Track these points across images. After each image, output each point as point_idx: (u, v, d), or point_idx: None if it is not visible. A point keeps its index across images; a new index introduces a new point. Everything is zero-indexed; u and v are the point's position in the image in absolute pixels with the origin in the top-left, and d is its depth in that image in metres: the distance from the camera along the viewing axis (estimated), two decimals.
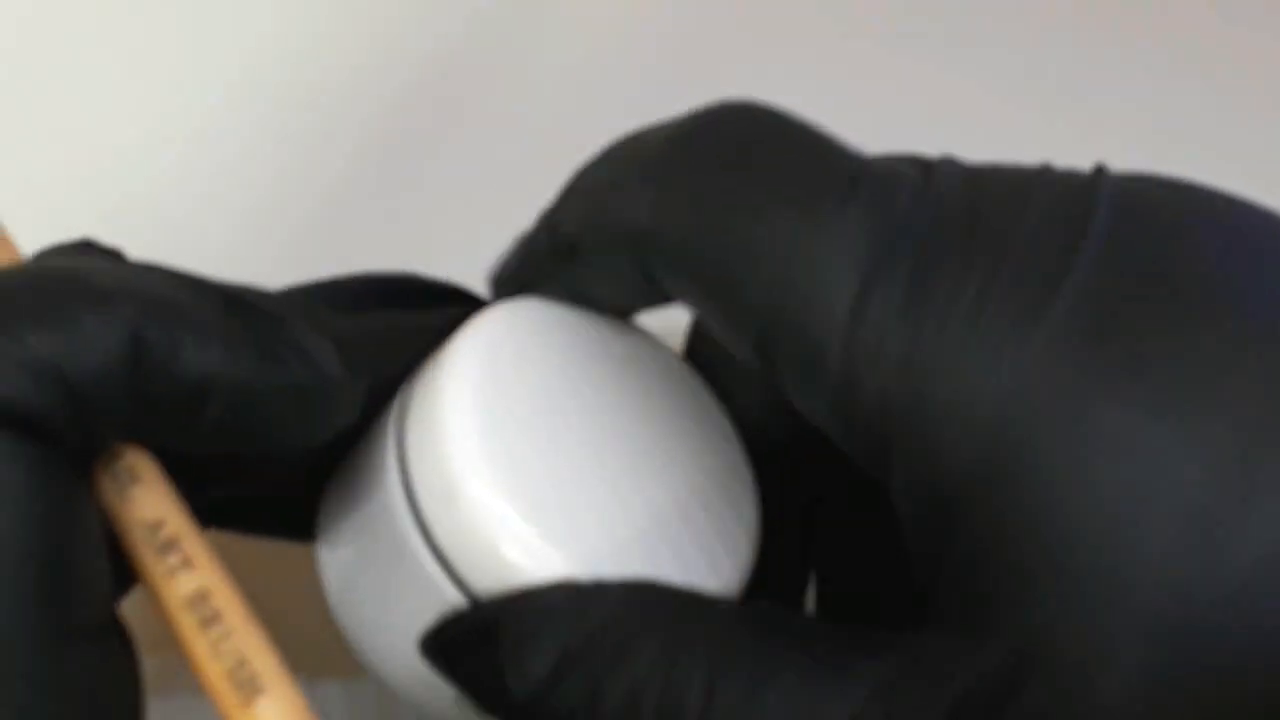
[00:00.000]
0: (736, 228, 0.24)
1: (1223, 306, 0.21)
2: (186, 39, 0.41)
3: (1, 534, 0.21)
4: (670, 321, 0.29)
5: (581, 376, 0.27)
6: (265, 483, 0.27)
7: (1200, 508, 0.20)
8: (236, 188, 0.39)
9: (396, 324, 0.27)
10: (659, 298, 0.26)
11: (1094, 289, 0.21)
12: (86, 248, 0.26)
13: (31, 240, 0.26)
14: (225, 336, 0.23)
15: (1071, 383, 0.21)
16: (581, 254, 0.26)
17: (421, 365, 0.27)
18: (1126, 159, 0.24)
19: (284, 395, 0.24)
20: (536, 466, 0.25)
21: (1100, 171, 0.23)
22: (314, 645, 0.25)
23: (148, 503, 0.23)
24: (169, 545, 0.23)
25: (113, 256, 0.26)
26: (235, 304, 0.24)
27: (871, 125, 0.27)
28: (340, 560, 0.27)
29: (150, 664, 0.24)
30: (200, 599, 0.23)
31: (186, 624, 0.23)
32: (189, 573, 0.23)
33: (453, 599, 0.25)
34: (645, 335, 0.28)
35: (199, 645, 0.22)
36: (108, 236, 0.26)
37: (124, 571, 0.23)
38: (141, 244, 0.27)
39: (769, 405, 0.28)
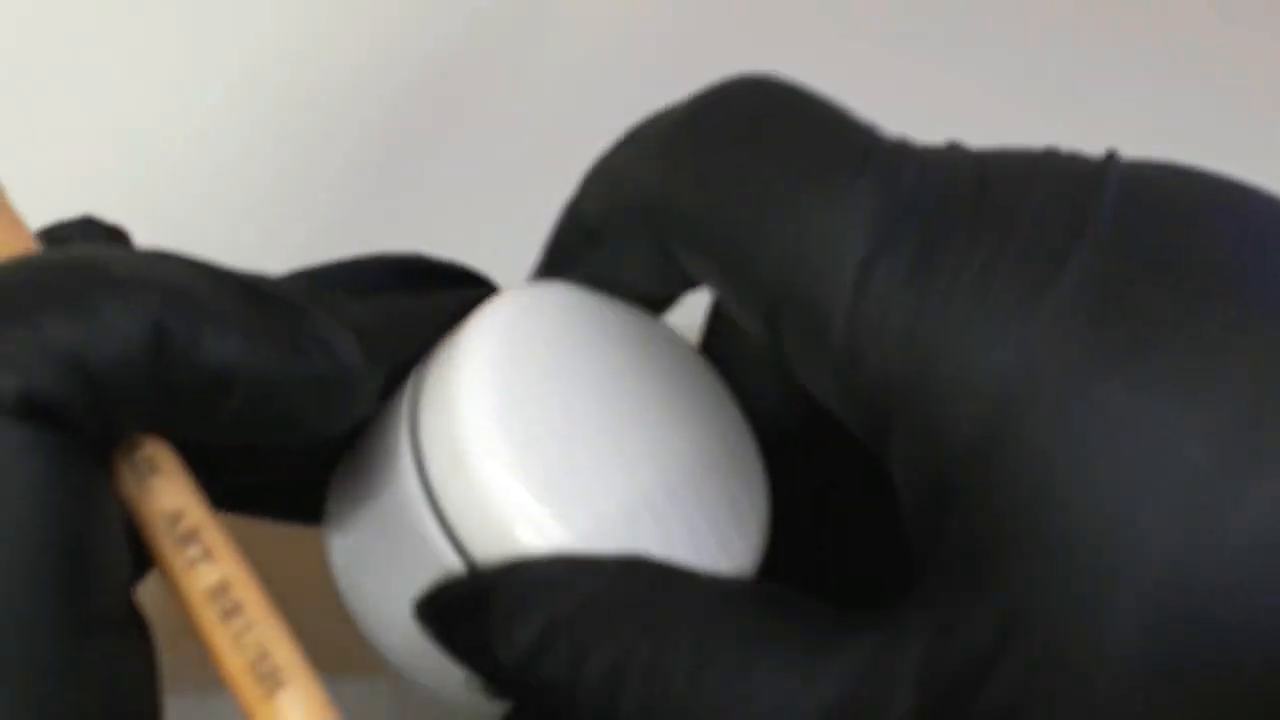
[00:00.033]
0: (747, 201, 0.24)
1: (1228, 289, 0.21)
2: (186, 38, 0.41)
3: (22, 523, 0.21)
4: (686, 318, 0.29)
5: (595, 360, 0.27)
6: (277, 469, 0.27)
7: (1200, 487, 0.20)
8: (237, 187, 0.39)
9: (410, 308, 0.27)
10: (680, 281, 0.26)
11: (1100, 268, 0.21)
12: (89, 225, 0.26)
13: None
14: (245, 326, 0.23)
15: (1075, 360, 0.21)
16: (603, 238, 0.26)
17: (435, 348, 0.27)
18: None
19: (305, 386, 0.24)
20: (549, 446, 0.25)
21: (1111, 156, 0.23)
22: (331, 642, 0.25)
23: (167, 493, 0.23)
24: (189, 536, 0.23)
25: (116, 235, 0.26)
26: (254, 293, 0.24)
27: None
28: (350, 542, 0.27)
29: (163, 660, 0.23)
30: (221, 591, 0.22)
31: (207, 616, 0.22)
32: (210, 564, 0.23)
33: None
34: (660, 323, 0.28)
35: (220, 638, 0.22)
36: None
37: (138, 560, 0.23)
38: (141, 241, 0.27)
39: (782, 396, 0.28)
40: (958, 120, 0.39)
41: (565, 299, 0.27)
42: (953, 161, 0.23)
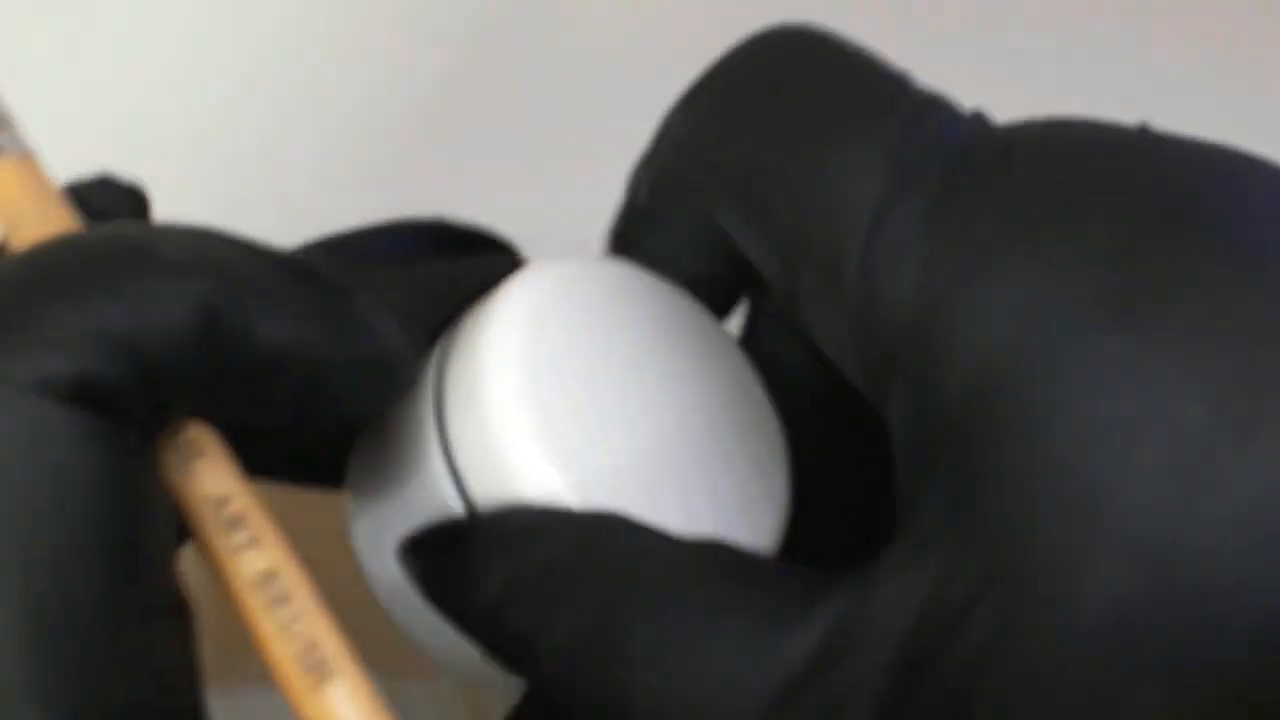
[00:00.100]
0: (769, 146, 0.24)
1: (1236, 254, 0.21)
2: (198, 26, 0.40)
3: (77, 511, 0.20)
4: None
5: (623, 332, 0.26)
6: (303, 440, 0.27)
7: (1197, 445, 0.20)
8: (237, 185, 0.38)
9: (438, 278, 0.26)
10: (724, 257, 0.26)
11: (1114, 228, 0.21)
12: (106, 184, 0.26)
13: None
14: (295, 309, 0.23)
15: (1079, 314, 0.21)
16: (651, 215, 0.26)
17: (462, 318, 0.26)
18: None
19: (351, 369, 0.24)
20: (571, 415, 0.25)
21: (1142, 127, 0.23)
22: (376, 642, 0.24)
23: (213, 477, 0.22)
24: (236, 522, 0.22)
25: (134, 194, 0.26)
26: (301, 274, 0.23)
27: None
28: (371, 509, 0.26)
29: None
30: (269, 578, 0.22)
31: (254, 604, 0.22)
32: (256, 551, 0.22)
33: None
34: (694, 302, 0.28)
35: (267, 626, 0.22)
36: None
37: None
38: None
39: (814, 404, 0.28)
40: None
41: (598, 271, 0.27)
42: (979, 117, 0.24)
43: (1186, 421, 0.20)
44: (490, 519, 0.24)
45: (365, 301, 0.24)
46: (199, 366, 0.22)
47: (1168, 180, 0.22)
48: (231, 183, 0.38)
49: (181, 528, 0.23)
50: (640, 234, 0.27)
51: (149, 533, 0.21)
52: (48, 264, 0.22)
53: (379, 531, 0.26)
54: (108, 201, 0.25)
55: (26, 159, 0.24)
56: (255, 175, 0.39)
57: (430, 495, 0.25)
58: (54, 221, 0.24)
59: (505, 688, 0.26)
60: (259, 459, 0.25)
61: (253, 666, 0.22)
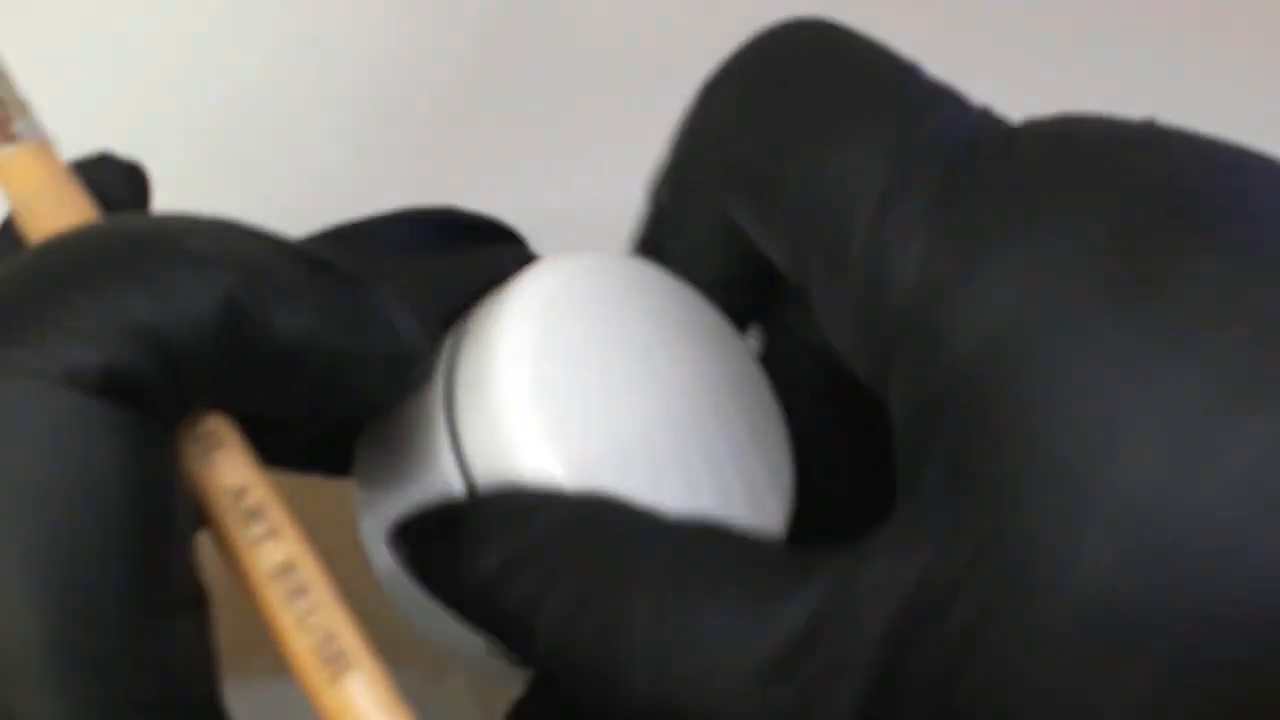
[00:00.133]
0: (779, 136, 0.24)
1: (1240, 239, 0.21)
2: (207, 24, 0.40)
3: (105, 504, 0.20)
4: None
5: (633, 326, 0.26)
6: (312, 429, 0.27)
7: (1193, 422, 0.20)
8: (245, 177, 0.38)
9: (452, 269, 0.26)
10: (741, 253, 0.26)
11: (1116, 211, 0.21)
12: (105, 161, 0.25)
13: None
14: (316, 303, 0.23)
15: (1078, 296, 0.21)
16: (669, 215, 0.27)
17: (473, 309, 0.26)
18: None
19: (369, 363, 0.24)
20: (582, 412, 0.25)
21: (1149, 121, 0.23)
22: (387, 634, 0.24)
23: (231, 469, 0.22)
24: (254, 513, 0.22)
25: (133, 172, 0.26)
26: (320, 267, 0.23)
27: None
28: (378, 500, 0.26)
29: None
30: (287, 570, 0.22)
31: (272, 595, 0.22)
32: (275, 542, 0.22)
33: None
34: (704, 300, 0.28)
35: (285, 618, 0.22)
36: None
37: None
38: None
39: (825, 426, 0.28)
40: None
41: (608, 266, 0.27)
42: (986, 112, 0.24)
43: (1179, 403, 0.20)
44: (486, 500, 0.24)
45: (382, 294, 0.24)
46: (220, 358, 0.22)
47: (1170, 172, 0.22)
48: (239, 174, 0.38)
49: (195, 517, 0.23)
50: (661, 236, 0.27)
51: (172, 525, 0.21)
52: (70, 255, 0.22)
53: (386, 522, 0.26)
54: (108, 179, 0.25)
55: (44, 147, 0.24)
56: (262, 167, 0.38)
57: (438, 487, 0.25)
58: (72, 209, 0.24)
59: (509, 678, 0.26)
60: (268, 447, 0.25)
61: (263, 657, 0.23)
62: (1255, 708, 0.19)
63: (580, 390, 0.25)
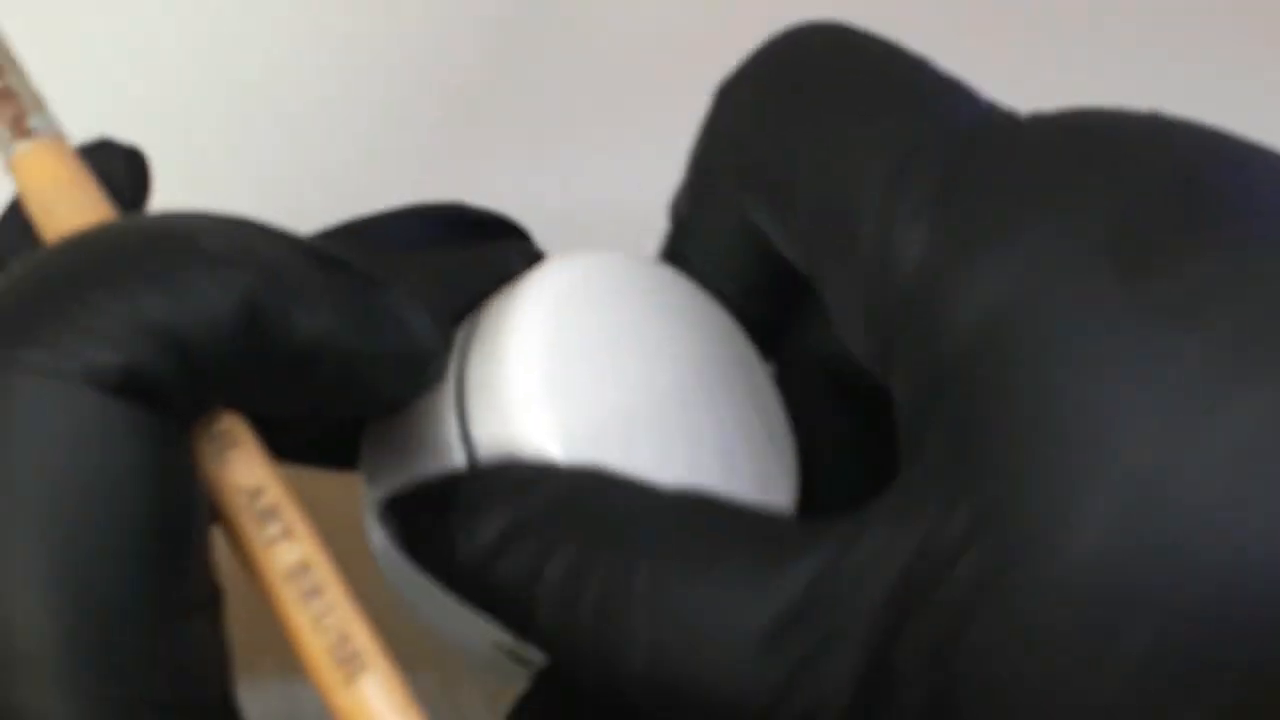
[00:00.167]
0: (792, 136, 0.24)
1: (1242, 221, 0.21)
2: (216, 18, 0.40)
3: (124, 507, 0.20)
4: None
5: (644, 323, 0.26)
6: (324, 427, 0.27)
7: (1191, 392, 0.20)
8: (251, 172, 0.38)
9: (460, 266, 0.26)
10: (759, 254, 0.26)
11: (1120, 192, 0.22)
12: (105, 146, 0.25)
13: None
14: (330, 303, 0.23)
15: (1086, 266, 0.21)
16: (688, 224, 0.27)
17: (483, 307, 0.26)
18: None
19: (382, 362, 0.24)
20: (594, 411, 0.25)
21: (1154, 114, 0.24)
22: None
23: (247, 468, 0.22)
24: (269, 513, 0.22)
25: (133, 156, 0.26)
26: (336, 266, 0.23)
27: None
28: (385, 490, 0.26)
29: None
30: (302, 571, 0.22)
31: (287, 596, 0.22)
32: (290, 543, 0.22)
33: None
34: (715, 303, 0.28)
35: (300, 619, 0.22)
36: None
37: None
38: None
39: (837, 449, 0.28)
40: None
41: (617, 263, 0.27)
42: (994, 105, 0.24)
43: (1179, 375, 0.20)
44: (485, 473, 0.24)
45: (396, 294, 0.24)
46: (237, 358, 0.22)
47: (1175, 158, 0.22)
48: (248, 173, 0.38)
49: (209, 516, 0.22)
50: (681, 246, 0.28)
51: (189, 525, 0.21)
52: (88, 254, 0.21)
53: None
54: (109, 165, 0.25)
55: (59, 142, 0.24)
56: (268, 167, 0.38)
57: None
58: (88, 207, 0.23)
59: (512, 673, 0.26)
60: (274, 441, 0.25)
61: (276, 658, 0.22)
62: (1249, 668, 0.19)
63: (592, 387, 0.25)
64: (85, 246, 0.22)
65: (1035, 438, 0.20)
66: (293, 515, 0.22)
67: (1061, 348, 0.21)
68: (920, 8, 0.41)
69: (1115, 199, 0.22)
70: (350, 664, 0.21)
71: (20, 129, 0.24)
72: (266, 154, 0.39)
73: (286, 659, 0.22)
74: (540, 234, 0.29)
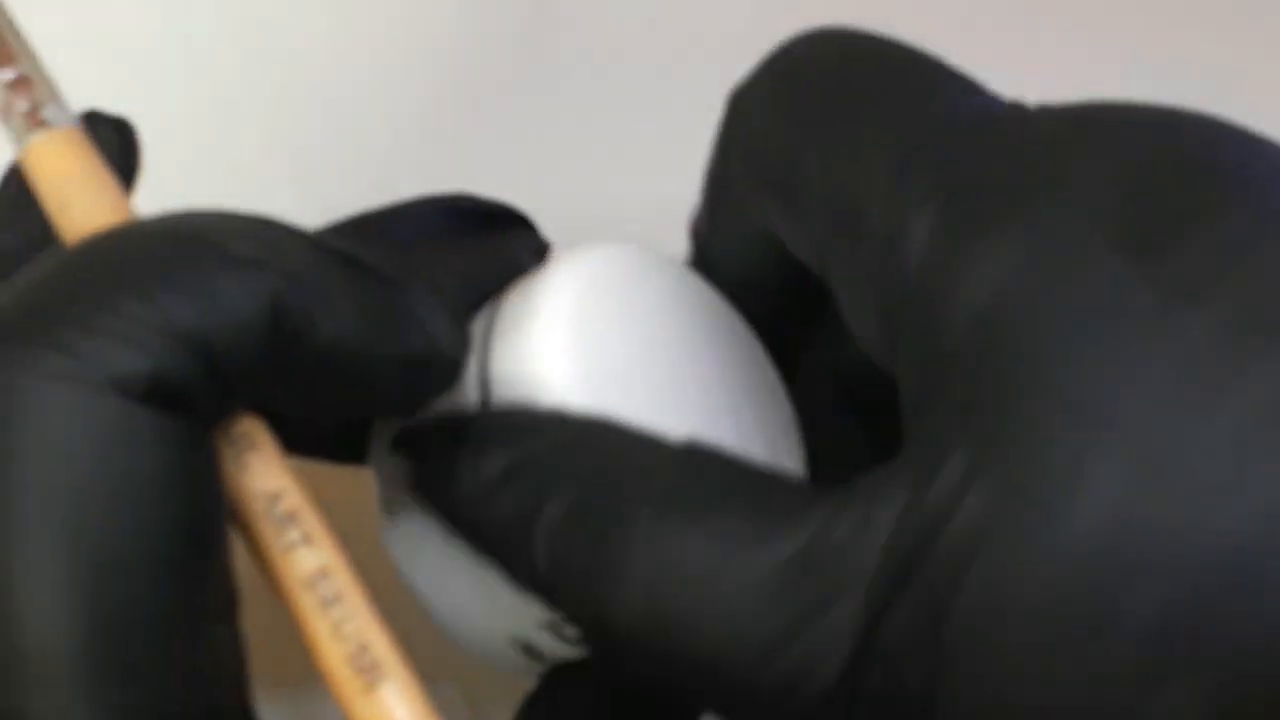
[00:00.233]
0: (802, 135, 0.24)
1: (1250, 201, 0.21)
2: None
3: (152, 514, 0.20)
4: None
5: (665, 315, 0.26)
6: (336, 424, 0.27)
7: (1200, 359, 0.20)
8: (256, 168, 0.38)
9: (472, 261, 0.26)
10: (775, 258, 0.26)
11: (1129, 170, 0.22)
12: (92, 119, 0.25)
13: None
14: (353, 305, 0.22)
15: (1095, 239, 0.21)
16: (704, 236, 0.27)
17: (503, 303, 0.26)
18: None
19: (403, 365, 0.23)
20: (623, 406, 0.25)
21: (1170, 108, 0.24)
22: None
23: (267, 472, 0.22)
24: (289, 519, 0.22)
25: (120, 126, 0.25)
26: (356, 267, 0.23)
27: None
28: (404, 493, 0.26)
29: None
30: (321, 577, 0.22)
31: (306, 603, 0.22)
32: (309, 549, 0.22)
33: None
34: (727, 304, 0.28)
35: (319, 626, 0.21)
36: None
37: None
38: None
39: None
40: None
41: (635, 257, 0.27)
42: (1003, 96, 0.24)
43: (1186, 347, 0.20)
44: (496, 412, 0.24)
45: (416, 295, 0.24)
46: (263, 362, 0.21)
47: (1183, 143, 0.22)
48: (250, 165, 0.38)
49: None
50: (702, 262, 0.28)
51: (213, 531, 0.21)
52: (114, 257, 0.21)
53: (409, 515, 0.26)
54: (101, 135, 0.25)
55: (74, 133, 0.24)
56: (264, 166, 0.38)
57: None
58: (105, 201, 0.23)
59: (526, 669, 0.26)
60: (284, 437, 0.25)
61: (295, 665, 0.22)
62: (1248, 641, 0.19)
63: (614, 349, 0.25)
64: (110, 249, 0.21)
65: (1041, 408, 0.20)
66: (312, 521, 0.22)
67: (1067, 322, 0.21)
68: (925, 8, 0.41)
69: (1123, 181, 0.22)
70: (370, 672, 0.21)
71: (35, 120, 0.23)
72: (262, 156, 0.38)
73: (304, 666, 0.22)
74: (546, 231, 0.29)
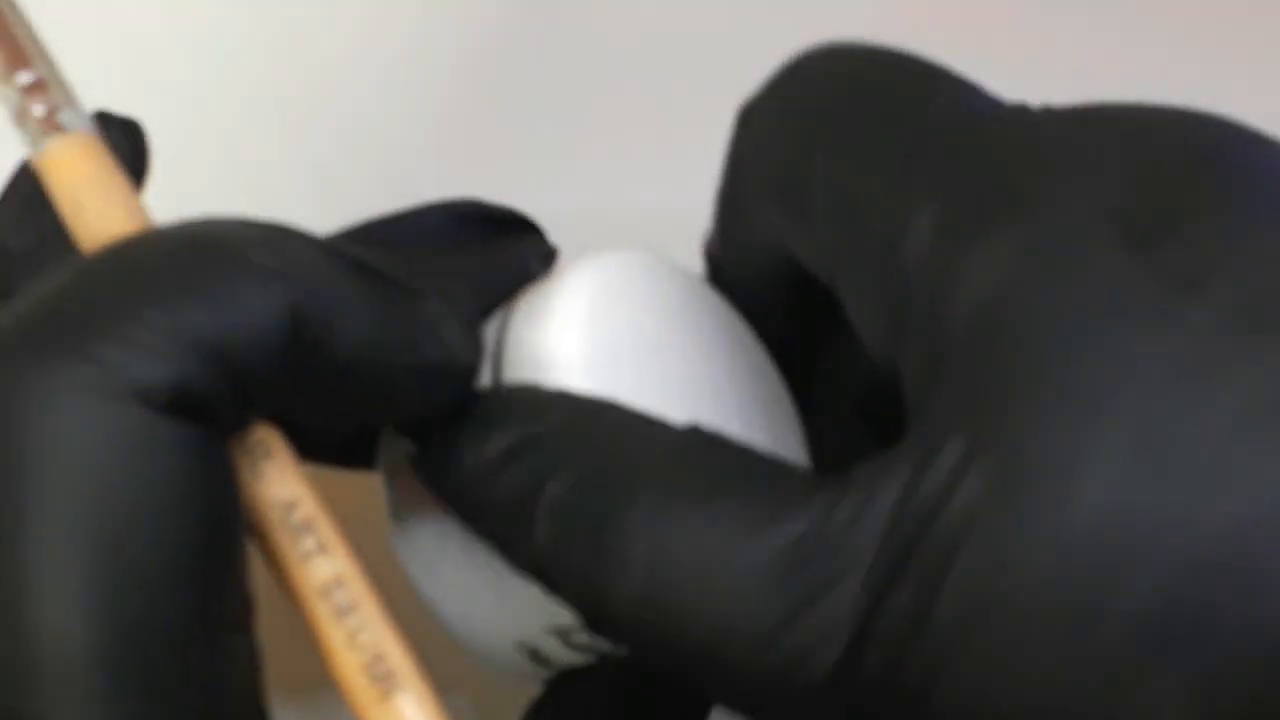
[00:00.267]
0: (808, 146, 0.25)
1: (1254, 194, 0.21)
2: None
3: (173, 525, 0.20)
4: None
5: (676, 322, 0.26)
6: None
7: (1199, 351, 0.20)
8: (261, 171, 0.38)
9: (480, 269, 0.26)
10: (788, 275, 0.26)
11: (1132, 165, 0.22)
12: (102, 119, 0.25)
13: None
14: (370, 315, 0.22)
15: (1096, 231, 0.21)
16: (717, 258, 0.27)
17: (512, 310, 0.26)
18: None
19: (419, 374, 0.23)
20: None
21: (1176, 108, 0.24)
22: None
23: (282, 481, 0.22)
24: (304, 527, 0.22)
25: (130, 128, 0.25)
26: (372, 276, 0.23)
27: None
28: (416, 501, 0.26)
29: None
30: (337, 586, 0.22)
31: (322, 612, 0.22)
32: (325, 558, 0.22)
33: None
34: (736, 314, 0.28)
35: (335, 635, 0.21)
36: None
37: None
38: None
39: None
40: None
41: (646, 263, 0.27)
42: (1007, 99, 0.24)
43: (1185, 336, 0.20)
44: (501, 390, 0.24)
45: (432, 303, 0.24)
46: (283, 371, 0.21)
47: (1186, 138, 0.22)
48: (267, 172, 0.38)
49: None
50: (717, 275, 0.28)
51: (232, 541, 0.21)
52: (133, 266, 0.21)
53: (420, 520, 0.26)
54: (111, 137, 0.25)
55: (90, 138, 0.23)
56: (265, 168, 0.38)
57: None
58: (122, 208, 0.23)
59: (533, 675, 0.26)
60: (296, 442, 0.25)
61: (309, 674, 0.22)
62: (1245, 626, 0.19)
63: (630, 387, 0.25)
64: (130, 258, 0.21)
65: (1039, 396, 0.20)
66: (327, 530, 0.22)
67: (1067, 313, 0.21)
68: (929, 12, 0.41)
69: (1124, 179, 0.22)
70: (385, 682, 0.21)
71: (52, 124, 0.23)
72: (262, 157, 0.38)
73: (319, 675, 0.22)
74: (554, 238, 0.29)
